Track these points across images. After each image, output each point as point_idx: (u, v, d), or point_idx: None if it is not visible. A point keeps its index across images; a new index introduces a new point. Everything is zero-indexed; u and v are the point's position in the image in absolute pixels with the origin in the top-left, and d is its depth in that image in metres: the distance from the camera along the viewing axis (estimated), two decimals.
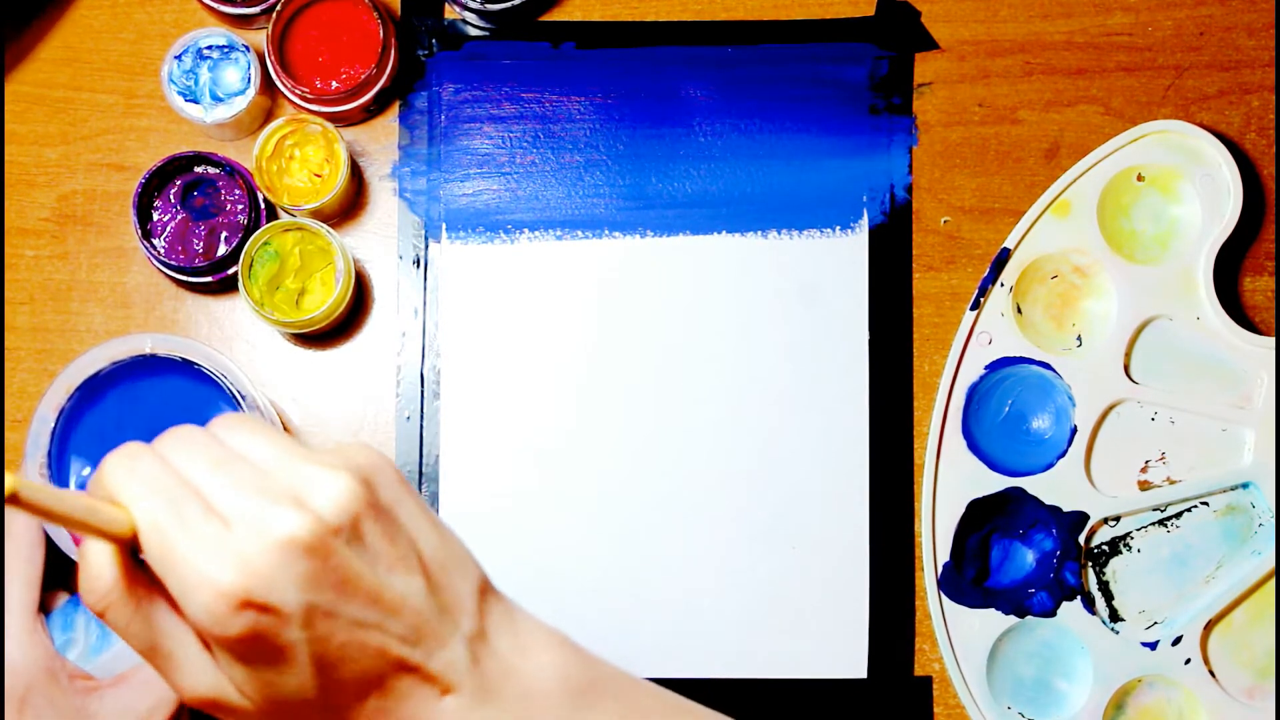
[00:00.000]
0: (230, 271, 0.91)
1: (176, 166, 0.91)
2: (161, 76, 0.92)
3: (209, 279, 0.91)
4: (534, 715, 0.64)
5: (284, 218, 0.92)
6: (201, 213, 0.92)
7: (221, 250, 0.91)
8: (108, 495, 0.61)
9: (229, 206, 0.92)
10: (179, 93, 0.92)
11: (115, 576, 0.62)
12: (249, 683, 0.62)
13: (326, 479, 0.62)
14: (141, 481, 0.61)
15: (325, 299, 0.91)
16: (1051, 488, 0.91)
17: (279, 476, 0.62)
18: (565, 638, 0.66)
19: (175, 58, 0.92)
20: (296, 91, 0.92)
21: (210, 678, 0.63)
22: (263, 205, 0.92)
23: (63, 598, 0.84)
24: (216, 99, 0.92)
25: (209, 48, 0.92)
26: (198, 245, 0.91)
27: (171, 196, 0.92)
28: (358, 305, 0.94)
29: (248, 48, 0.92)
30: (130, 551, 0.62)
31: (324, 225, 0.91)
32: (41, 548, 0.82)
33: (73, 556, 0.82)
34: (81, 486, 0.84)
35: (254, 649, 0.60)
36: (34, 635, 0.79)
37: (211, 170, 0.92)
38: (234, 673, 0.62)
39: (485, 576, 0.66)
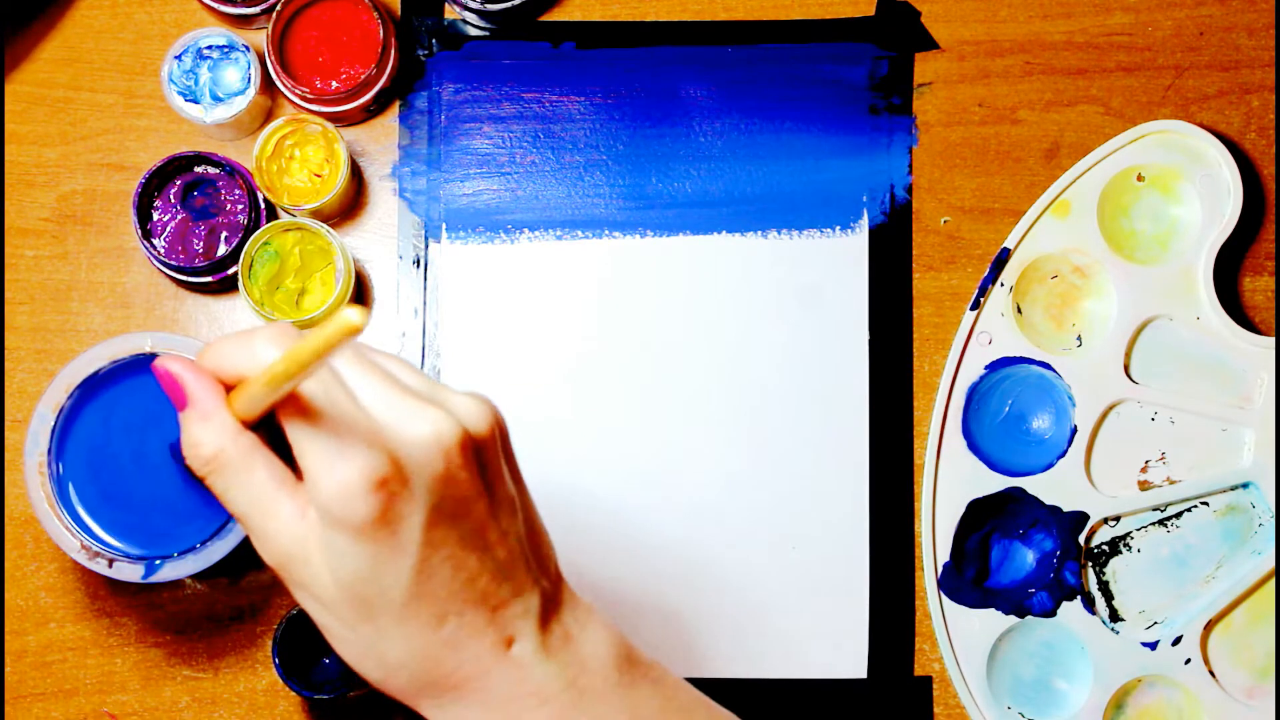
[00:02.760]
0: (230, 271, 0.91)
1: (176, 166, 0.91)
2: (161, 76, 0.92)
3: (209, 279, 0.91)
4: (583, 682, 0.67)
5: (284, 217, 0.92)
6: (201, 213, 0.92)
7: (221, 250, 0.91)
8: (257, 368, 0.64)
9: (229, 206, 0.92)
10: (179, 93, 0.92)
11: (224, 443, 0.64)
12: (346, 567, 0.63)
13: (471, 402, 0.65)
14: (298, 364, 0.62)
15: (325, 299, 0.91)
16: (1051, 488, 0.91)
17: (425, 391, 0.65)
18: (617, 627, 0.69)
19: (175, 58, 0.92)
20: (296, 91, 0.92)
21: (295, 548, 0.64)
22: (263, 205, 0.92)
23: None
24: (216, 99, 0.92)
25: (209, 48, 0.92)
26: (198, 245, 0.91)
27: (171, 196, 0.92)
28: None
29: (247, 47, 0.92)
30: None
31: (324, 225, 0.91)
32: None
33: (73, 557, 0.82)
34: (72, 488, 0.84)
35: (370, 535, 0.62)
36: None
37: (211, 170, 0.92)
38: (337, 553, 0.63)
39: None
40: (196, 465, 0.65)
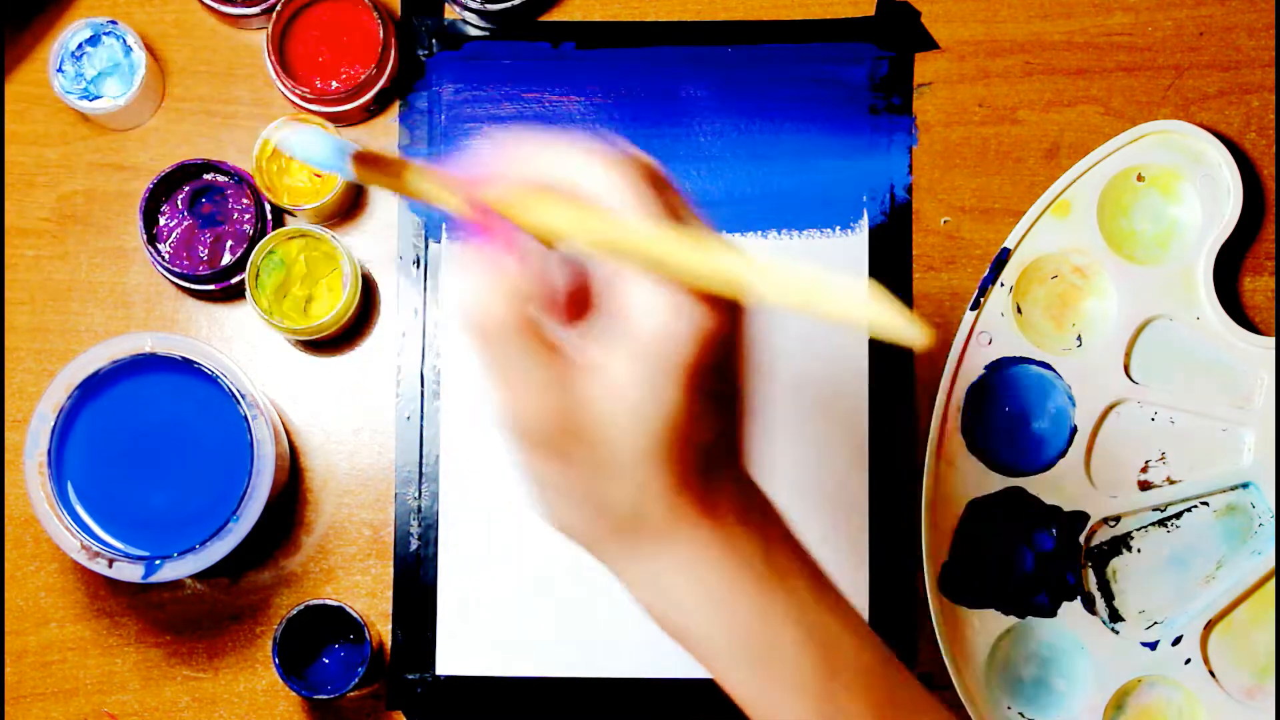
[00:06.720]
0: (234, 281, 0.91)
1: (185, 173, 0.91)
2: (57, 92, 0.91)
3: (212, 286, 0.91)
4: (774, 558, 0.69)
5: (290, 224, 0.92)
6: (208, 220, 0.92)
7: (226, 259, 0.91)
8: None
9: (235, 215, 0.92)
10: (80, 98, 0.90)
11: (519, 305, 0.63)
12: (659, 405, 0.64)
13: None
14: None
15: (333, 305, 0.90)
16: (1051, 488, 0.91)
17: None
18: None
19: (58, 70, 0.90)
20: (296, 91, 0.92)
21: (611, 399, 0.64)
22: (269, 216, 0.91)
23: None
24: (109, 82, 0.91)
25: (79, 46, 0.90)
26: (202, 252, 0.91)
27: (179, 202, 0.92)
28: (365, 309, 0.93)
29: (114, 22, 0.90)
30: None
31: (329, 231, 0.90)
32: None
33: (73, 557, 0.82)
34: (72, 487, 0.84)
35: (684, 382, 0.63)
36: None
37: (220, 178, 0.92)
38: (656, 394, 0.64)
39: None
40: (483, 324, 0.64)
